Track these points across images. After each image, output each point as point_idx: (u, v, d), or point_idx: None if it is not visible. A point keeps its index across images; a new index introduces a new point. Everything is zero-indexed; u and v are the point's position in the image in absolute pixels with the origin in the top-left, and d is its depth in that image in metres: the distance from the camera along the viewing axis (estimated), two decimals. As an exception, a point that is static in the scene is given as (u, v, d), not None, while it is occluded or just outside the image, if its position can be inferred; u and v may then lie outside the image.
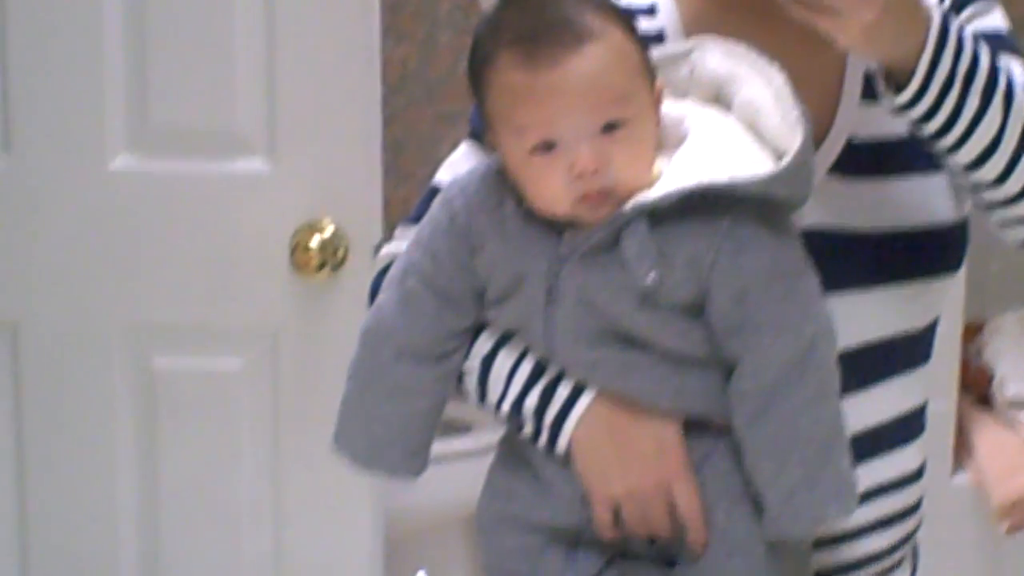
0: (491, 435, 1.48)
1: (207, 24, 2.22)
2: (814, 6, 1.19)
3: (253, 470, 2.32)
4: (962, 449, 2.85)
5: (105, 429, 2.33)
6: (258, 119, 2.23)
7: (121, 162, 2.27)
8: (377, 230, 2.24)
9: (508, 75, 1.30)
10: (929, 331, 1.51)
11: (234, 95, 2.23)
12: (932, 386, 1.57)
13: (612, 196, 1.29)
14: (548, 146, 1.28)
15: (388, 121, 2.29)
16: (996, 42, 1.40)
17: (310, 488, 2.31)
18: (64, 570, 2.38)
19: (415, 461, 1.43)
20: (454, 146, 1.56)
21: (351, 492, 2.30)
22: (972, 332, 3.04)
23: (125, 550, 2.36)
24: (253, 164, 2.24)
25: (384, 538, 2.35)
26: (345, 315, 2.21)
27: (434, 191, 1.46)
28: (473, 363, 1.41)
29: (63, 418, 2.34)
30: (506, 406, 1.39)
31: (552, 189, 1.30)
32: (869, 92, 1.45)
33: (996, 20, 1.48)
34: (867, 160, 1.45)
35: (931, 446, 1.59)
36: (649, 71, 1.34)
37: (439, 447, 1.47)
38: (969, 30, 1.35)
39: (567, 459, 1.37)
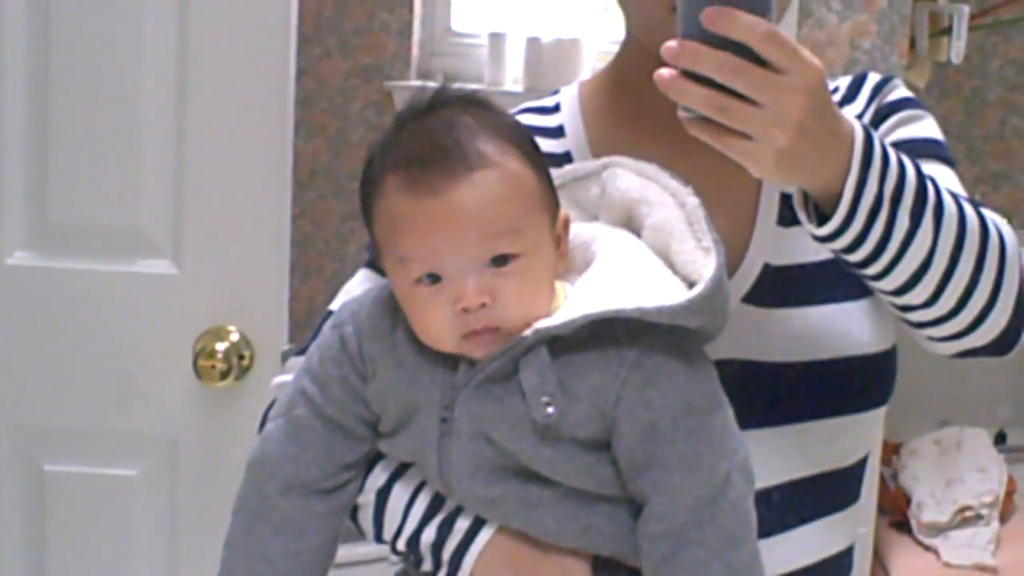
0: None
1: (113, 119, 2.21)
2: (724, 130, 1.15)
3: (147, 583, 2.30)
4: (879, 573, 2.87)
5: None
6: (164, 218, 2.22)
7: (19, 257, 2.25)
8: (283, 337, 2.24)
9: (393, 201, 1.28)
10: (858, 468, 1.50)
11: (139, 193, 2.22)
12: (855, 520, 1.55)
13: (501, 333, 1.27)
14: (433, 278, 1.26)
15: (296, 216, 2.30)
16: (929, 148, 1.40)
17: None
18: None
19: None
20: (362, 244, 1.56)
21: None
22: (889, 453, 3.07)
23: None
24: (158, 265, 2.24)
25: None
26: (248, 423, 2.10)
27: (328, 318, 1.43)
28: (368, 497, 1.38)
29: (-53, 524, 2.31)
30: (402, 542, 1.36)
31: (437, 323, 1.28)
32: (785, 215, 1.44)
33: (928, 128, 1.47)
34: (784, 287, 1.43)
35: None
36: (549, 200, 1.32)
37: (340, 552, 1.43)
38: (894, 137, 1.35)
39: None
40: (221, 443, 2.24)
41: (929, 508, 2.93)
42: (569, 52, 3.43)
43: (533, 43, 3.46)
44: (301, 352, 1.44)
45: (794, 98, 1.13)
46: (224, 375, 2.20)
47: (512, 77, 3.47)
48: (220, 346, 2.20)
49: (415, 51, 3.67)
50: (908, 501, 2.97)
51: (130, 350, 2.25)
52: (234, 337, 2.21)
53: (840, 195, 1.20)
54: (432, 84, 3.52)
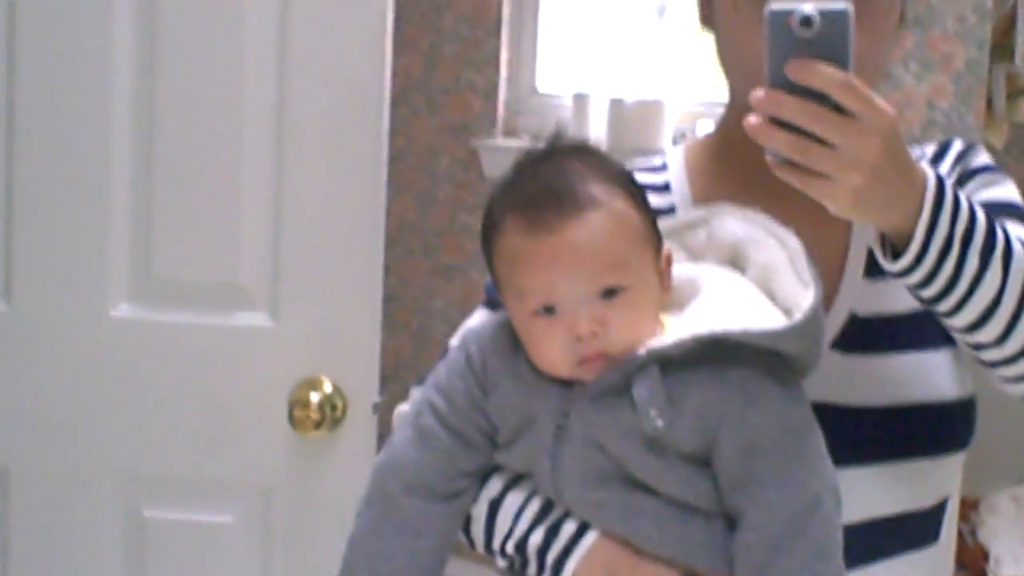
0: None
1: (214, 178, 2.24)
2: (804, 171, 1.20)
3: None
4: (959, 626, 2.84)
5: (92, 579, 2.32)
6: (261, 273, 2.24)
7: (123, 310, 2.27)
8: (375, 389, 2.24)
9: (512, 240, 1.34)
10: (937, 511, 1.52)
11: (238, 249, 2.24)
12: (936, 561, 1.57)
13: (610, 359, 1.32)
14: (548, 309, 1.32)
15: (386, 273, 2.32)
16: (1007, 210, 1.42)
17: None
18: None
19: None
20: (449, 299, 1.60)
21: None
22: (967, 508, 3.03)
23: None
24: (254, 318, 2.25)
25: None
26: (341, 473, 2.21)
27: (447, 352, 1.48)
28: (481, 508, 1.42)
29: (51, 566, 2.32)
30: (511, 546, 1.40)
31: (552, 351, 1.33)
32: (872, 268, 1.47)
33: (1008, 192, 1.50)
34: (869, 336, 1.47)
35: None
36: (654, 238, 1.37)
37: None
38: (974, 198, 1.35)
39: None
40: (314, 492, 2.25)
41: (1007, 564, 2.89)
42: (652, 113, 3.42)
43: (616, 104, 3.46)
44: (419, 383, 1.48)
45: (869, 141, 1.19)
46: (318, 425, 2.20)
47: (596, 137, 3.47)
48: (314, 396, 2.20)
49: (501, 110, 3.68)
50: (986, 556, 2.93)
51: (227, 400, 2.26)
52: (327, 388, 2.22)
53: (912, 234, 1.25)
54: (519, 143, 3.55)
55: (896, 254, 1.28)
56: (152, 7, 2.22)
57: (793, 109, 1.19)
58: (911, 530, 1.49)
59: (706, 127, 1.52)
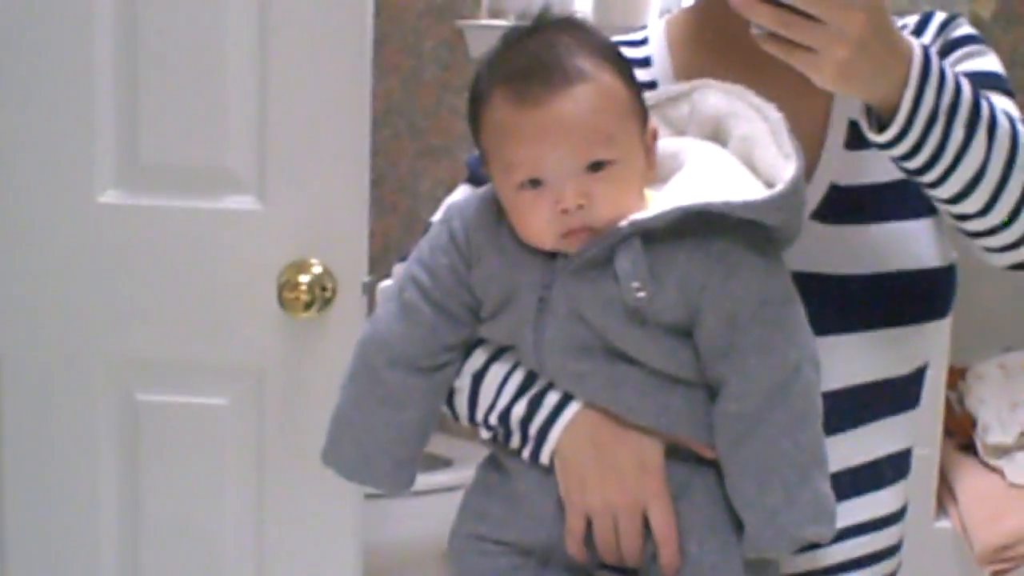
0: (470, 470, 1.49)
1: (199, 61, 2.23)
2: (790, 44, 1.21)
3: (236, 506, 2.32)
4: (945, 493, 2.86)
5: (87, 463, 2.34)
6: (248, 157, 2.24)
7: (110, 196, 2.28)
8: (364, 269, 2.25)
9: (499, 112, 1.34)
10: (917, 376, 1.53)
11: (225, 132, 2.24)
12: (916, 431, 1.57)
13: (595, 232, 1.32)
14: (535, 183, 1.32)
15: (371, 154, 2.31)
16: (989, 81, 1.41)
17: (293, 524, 2.32)
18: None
19: (403, 473, 1.45)
20: (435, 181, 1.59)
21: (333, 527, 2.31)
22: (955, 377, 3.03)
23: (106, 583, 2.37)
24: (242, 202, 2.26)
25: (363, 572, 2.35)
26: (331, 353, 2.22)
27: (430, 226, 1.48)
28: (464, 381, 1.43)
29: (45, 451, 2.35)
30: (494, 417, 1.41)
31: (538, 224, 1.33)
32: (853, 139, 1.47)
33: (990, 63, 1.49)
34: (849, 205, 1.46)
35: (914, 490, 1.59)
36: (640, 113, 1.36)
37: (419, 481, 1.48)
38: (957, 69, 1.35)
39: (548, 469, 1.38)
40: (306, 372, 2.27)
41: (995, 430, 2.91)
42: (640, -9, 3.43)
43: (603, -19, 3.47)
44: (402, 259, 1.48)
45: (854, 15, 1.19)
46: (308, 306, 2.22)
47: (581, 13, 3.44)
48: (303, 278, 2.22)
49: (486, -10, 3.67)
50: (974, 424, 2.95)
51: (217, 284, 2.27)
52: (317, 270, 2.23)
53: (898, 106, 1.25)
54: (504, 23, 3.53)
55: (881, 126, 1.28)
56: None
57: None
58: (892, 396, 1.50)
59: (688, 1, 1.51)
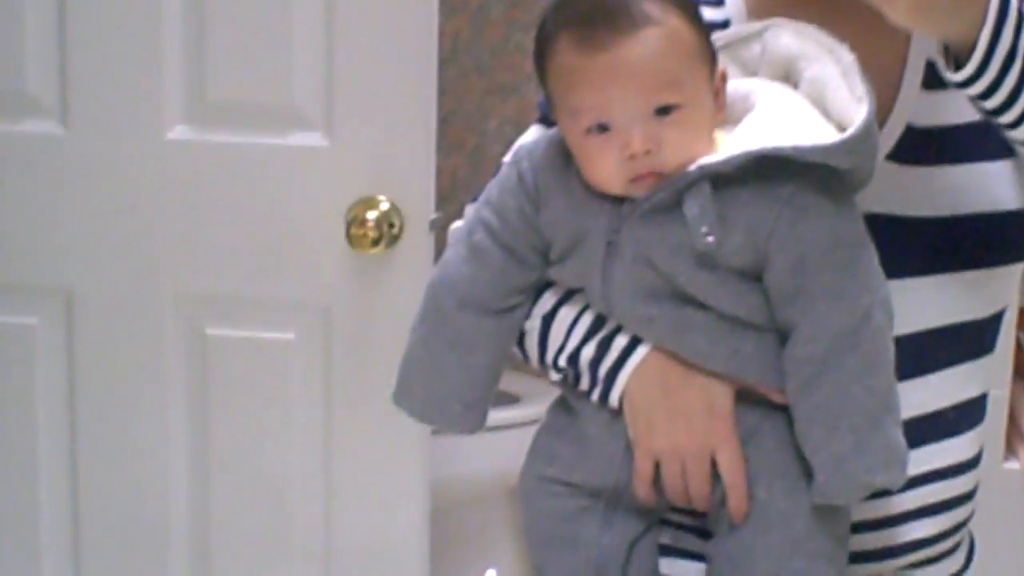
0: (538, 407, 1.51)
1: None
2: None
3: (303, 441, 2.34)
4: (1015, 435, 2.84)
5: (157, 397, 2.36)
6: (315, 94, 2.24)
7: (178, 133, 2.28)
8: (431, 206, 2.25)
9: (565, 57, 1.33)
10: (994, 321, 1.52)
11: (292, 70, 2.24)
12: (990, 371, 1.56)
13: (663, 177, 1.31)
14: (602, 128, 1.32)
15: (441, 94, 2.30)
16: None
17: (359, 459, 2.33)
18: (116, 535, 2.40)
19: (472, 415, 1.46)
20: (503, 119, 1.58)
21: (400, 463, 2.33)
22: None
23: (175, 517, 2.39)
24: (310, 139, 2.26)
25: (430, 508, 2.36)
26: (398, 290, 2.23)
27: (500, 168, 1.48)
28: (534, 322, 1.44)
29: (116, 385, 2.37)
30: (563, 359, 1.42)
31: (606, 169, 1.33)
32: (930, 80, 1.46)
33: None
34: (926, 147, 1.45)
35: (985, 431, 1.58)
36: (708, 56, 1.36)
37: (492, 416, 1.49)
38: None
39: (617, 412, 1.39)
40: (373, 308, 2.28)
41: (1067, 371, 2.90)
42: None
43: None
44: (473, 200, 1.49)
45: None
46: (375, 243, 2.22)
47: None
48: (371, 215, 2.22)
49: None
50: (1047, 367, 2.93)
51: (285, 220, 2.28)
52: (384, 206, 2.23)
53: (975, 44, 1.23)
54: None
55: (959, 65, 1.26)
56: None
57: None
58: (967, 340, 1.50)
59: None
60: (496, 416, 1.51)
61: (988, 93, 1.27)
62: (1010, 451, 2.82)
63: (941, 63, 1.29)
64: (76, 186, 2.32)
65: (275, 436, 2.35)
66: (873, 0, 1.21)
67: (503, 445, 1.97)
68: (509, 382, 1.56)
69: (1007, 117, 1.30)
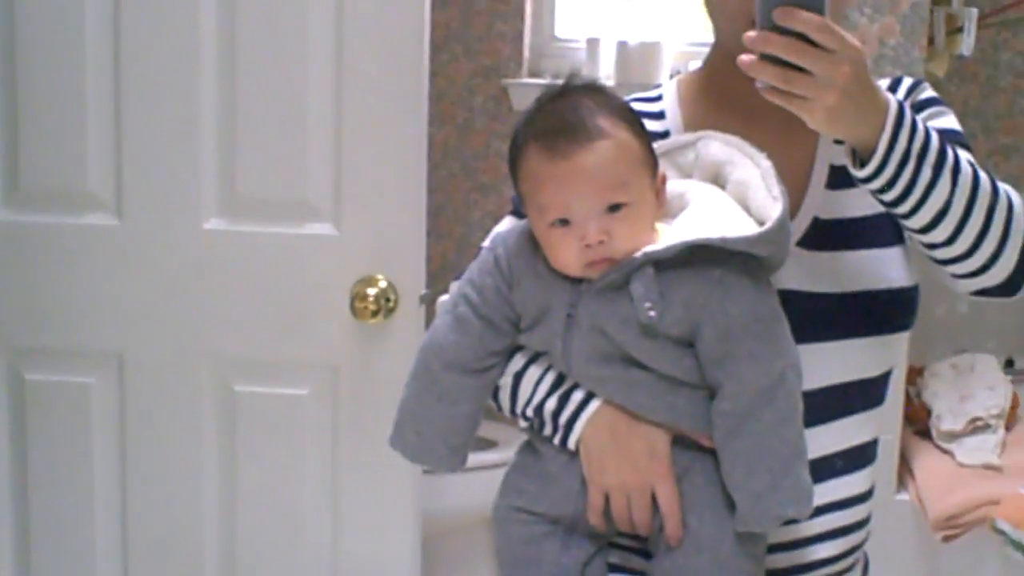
0: (511, 451, 1.50)
1: (286, 115, 2.23)
2: (788, 94, 1.21)
3: (315, 480, 2.32)
4: (904, 472, 2.85)
5: (193, 443, 2.34)
6: (326, 192, 2.24)
7: (213, 224, 2.28)
8: (422, 284, 2.25)
9: (533, 163, 1.34)
10: (884, 378, 1.52)
11: (306, 172, 2.25)
12: (881, 419, 1.56)
13: (614, 262, 1.32)
14: (563, 222, 1.32)
15: (431, 191, 2.31)
16: (951, 137, 1.40)
17: (362, 495, 2.32)
18: (159, 560, 2.38)
19: (455, 457, 1.45)
20: (485, 212, 1.58)
21: (395, 498, 2.31)
22: (914, 375, 3.04)
23: (208, 543, 2.37)
24: (321, 228, 2.25)
25: (421, 536, 2.35)
26: (395, 354, 2.21)
27: (480, 252, 1.48)
28: (507, 379, 1.43)
29: (159, 433, 2.35)
30: (530, 409, 1.41)
31: (566, 256, 1.34)
32: (832, 181, 1.48)
33: (951, 121, 1.49)
34: (829, 236, 1.46)
35: (878, 469, 1.58)
36: (651, 162, 1.37)
37: (468, 459, 1.48)
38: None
39: (574, 454, 1.39)
40: (373, 368, 2.26)
41: (947, 419, 2.89)
42: (652, 53, 3.39)
43: (622, 46, 3.44)
44: (457, 277, 1.48)
45: (840, 68, 1.20)
46: (375, 314, 2.22)
47: (605, 74, 3.45)
48: (371, 291, 2.21)
49: (526, 54, 3.65)
50: (929, 414, 2.93)
51: (300, 295, 2.27)
52: (382, 284, 2.22)
53: (876, 147, 1.25)
54: (541, 81, 3.53)
55: (863, 163, 1.28)
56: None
57: (780, 46, 1.20)
58: (862, 395, 1.50)
59: (696, 64, 1.52)
60: (475, 459, 1.51)
61: (886, 187, 1.28)
62: (901, 485, 2.83)
63: (848, 162, 1.30)
64: (128, 267, 2.31)
65: (291, 475, 2.33)
66: (795, 109, 1.23)
67: (482, 483, 1.94)
68: (487, 429, 1.56)
69: (903, 208, 1.30)
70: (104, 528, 2.38)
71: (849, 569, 1.55)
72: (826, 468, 1.45)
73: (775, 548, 1.45)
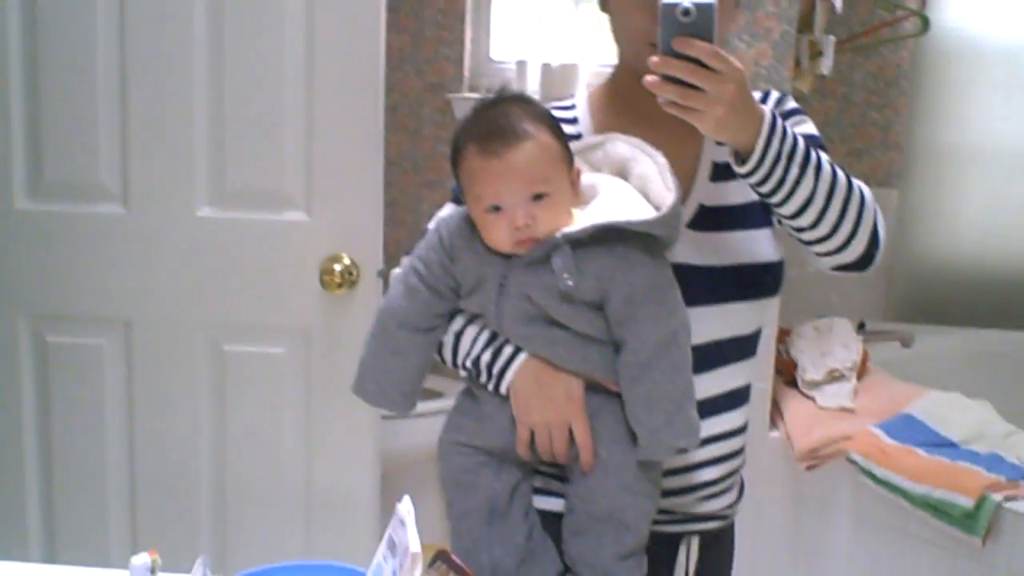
0: (452, 400, 1.50)
1: (266, 120, 2.22)
2: (684, 107, 1.22)
3: (292, 423, 2.32)
4: (775, 414, 2.87)
5: (189, 393, 2.33)
6: (299, 184, 2.23)
7: (205, 212, 2.27)
8: (379, 261, 2.24)
9: (471, 161, 1.34)
10: (755, 335, 1.53)
11: (283, 168, 2.23)
12: (756, 372, 1.58)
13: (538, 241, 1.32)
14: (496, 208, 1.32)
15: (387, 185, 2.30)
16: (812, 141, 1.41)
17: (330, 435, 2.31)
18: (162, 494, 2.38)
19: (407, 402, 1.44)
20: (432, 203, 1.58)
21: (358, 438, 2.31)
22: (783, 335, 3.05)
23: (203, 476, 2.36)
24: (295, 215, 2.24)
25: (380, 470, 2.35)
26: (357, 319, 2.21)
27: (426, 232, 1.47)
28: (449, 337, 1.43)
29: (160, 386, 2.34)
30: (469, 362, 1.41)
31: (498, 236, 1.33)
32: (715, 174, 1.48)
33: (811, 128, 1.50)
34: (713, 219, 1.47)
35: (754, 411, 1.58)
36: (567, 159, 1.36)
37: (418, 407, 1.47)
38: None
39: (505, 398, 1.38)
40: (338, 331, 2.26)
41: (809, 371, 2.92)
42: (570, 72, 3.40)
43: (546, 66, 3.44)
44: (408, 254, 1.47)
45: (727, 87, 1.21)
46: (340, 286, 2.22)
47: (532, 89, 3.44)
48: (337, 267, 2.21)
49: (466, 73, 3.64)
50: (795, 366, 2.96)
51: (278, 270, 2.26)
52: (346, 261, 2.22)
53: (754, 148, 1.27)
54: (477, 95, 3.52)
55: (744, 161, 1.29)
56: (220, 9, 2.21)
57: (678, 69, 1.21)
58: (738, 348, 1.51)
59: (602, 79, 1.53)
60: (423, 406, 1.49)
61: (763, 181, 1.30)
62: (772, 425, 2.85)
63: (732, 161, 1.31)
64: (133, 248, 2.30)
65: (271, 419, 2.32)
66: (690, 119, 1.24)
67: (428, 426, 1.93)
68: (432, 382, 1.55)
69: (775, 198, 1.32)
70: (115, 464, 2.37)
71: (728, 489, 1.56)
72: (710, 407, 1.46)
73: (669, 472, 1.46)
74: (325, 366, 2.28)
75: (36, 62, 2.25)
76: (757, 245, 1.47)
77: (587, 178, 1.40)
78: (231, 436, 2.34)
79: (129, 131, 2.25)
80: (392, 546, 1.02)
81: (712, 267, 1.45)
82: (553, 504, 1.46)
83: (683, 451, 1.37)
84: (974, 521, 2.37)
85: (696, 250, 1.44)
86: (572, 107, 1.56)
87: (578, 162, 1.40)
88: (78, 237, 2.30)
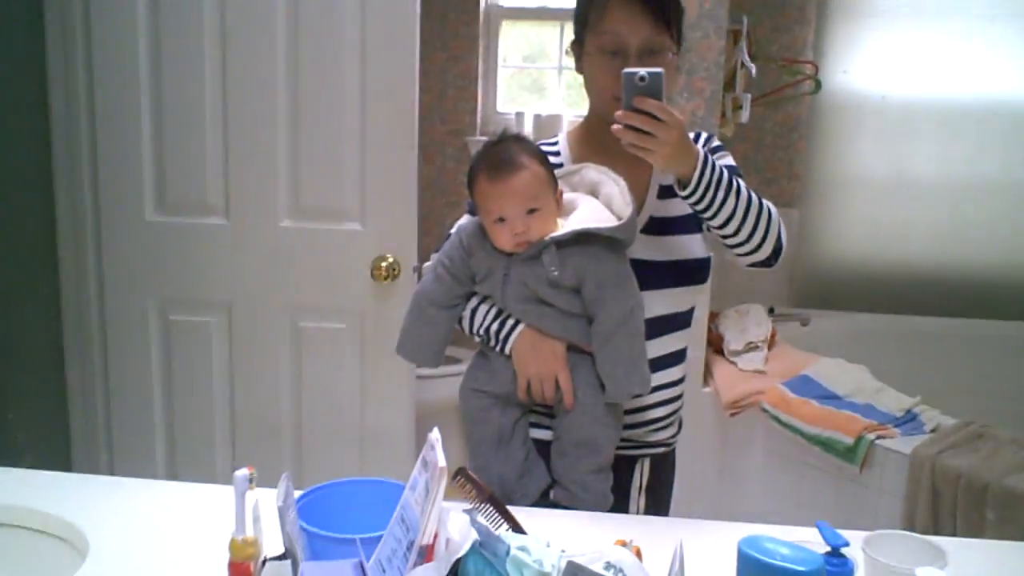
0: (467, 365, 1.48)
1: (331, 154, 2.20)
2: (642, 148, 1.22)
3: (350, 379, 2.30)
4: (707, 374, 2.86)
5: (274, 360, 2.31)
6: (356, 202, 2.21)
7: (286, 223, 2.25)
8: (414, 260, 2.22)
9: (481, 184, 1.33)
10: (690, 312, 1.52)
11: (343, 190, 2.21)
12: (692, 341, 1.56)
13: (532, 243, 1.32)
14: (501, 219, 1.32)
15: (420, 205, 2.30)
16: (733, 170, 1.41)
17: (378, 388, 2.30)
18: (253, 433, 2.36)
19: (436, 359, 1.43)
20: (453, 218, 1.57)
21: (399, 391, 2.29)
22: (714, 316, 3.03)
23: (285, 423, 2.34)
24: (352, 225, 2.22)
25: (415, 415, 2.34)
26: (398, 302, 2.19)
27: (449, 236, 1.46)
28: (467, 312, 1.42)
29: (253, 355, 2.32)
30: (482, 330, 1.40)
31: (502, 239, 1.33)
32: (661, 194, 1.47)
33: (730, 160, 1.49)
34: (659, 227, 1.46)
35: (691, 372, 1.58)
36: (553, 182, 1.35)
37: (442, 369, 1.48)
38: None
39: (508, 356, 1.38)
40: (384, 311, 2.24)
41: (733, 343, 2.92)
42: (555, 119, 3.41)
43: (537, 116, 3.45)
44: (436, 252, 1.46)
45: (672, 132, 1.21)
46: (386, 278, 2.20)
47: (527, 132, 3.44)
48: (384, 264, 2.20)
49: (479, 121, 3.64)
50: (722, 339, 2.96)
51: (341, 267, 2.24)
52: (390, 259, 2.21)
53: (691, 178, 1.26)
54: (486, 138, 3.51)
55: (684, 186, 1.29)
56: (296, 69, 2.18)
57: (637, 120, 1.21)
58: (677, 321, 1.49)
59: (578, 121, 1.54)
60: (445, 369, 1.49)
61: (697, 202, 1.29)
62: (704, 383, 2.83)
63: (676, 187, 1.30)
64: (232, 250, 2.28)
65: (335, 376, 2.30)
66: (645, 157, 1.24)
67: (450, 385, 1.96)
68: (452, 351, 1.55)
69: (707, 214, 1.31)
70: (220, 409, 2.36)
71: (671, 424, 1.56)
72: (657, 364, 1.46)
73: (629, 411, 1.47)
74: (375, 337, 2.27)
75: (161, 103, 2.23)
76: (692, 246, 1.47)
77: (568, 196, 1.40)
78: (305, 389, 2.32)
79: (229, 162, 2.24)
80: (424, 464, 1.04)
81: (659, 262, 1.45)
82: (544, 434, 1.46)
83: (638, 396, 1.38)
84: (853, 454, 2.39)
85: (647, 249, 1.44)
86: (556, 143, 1.56)
87: (561, 185, 1.40)
88: (191, 241, 2.29)
